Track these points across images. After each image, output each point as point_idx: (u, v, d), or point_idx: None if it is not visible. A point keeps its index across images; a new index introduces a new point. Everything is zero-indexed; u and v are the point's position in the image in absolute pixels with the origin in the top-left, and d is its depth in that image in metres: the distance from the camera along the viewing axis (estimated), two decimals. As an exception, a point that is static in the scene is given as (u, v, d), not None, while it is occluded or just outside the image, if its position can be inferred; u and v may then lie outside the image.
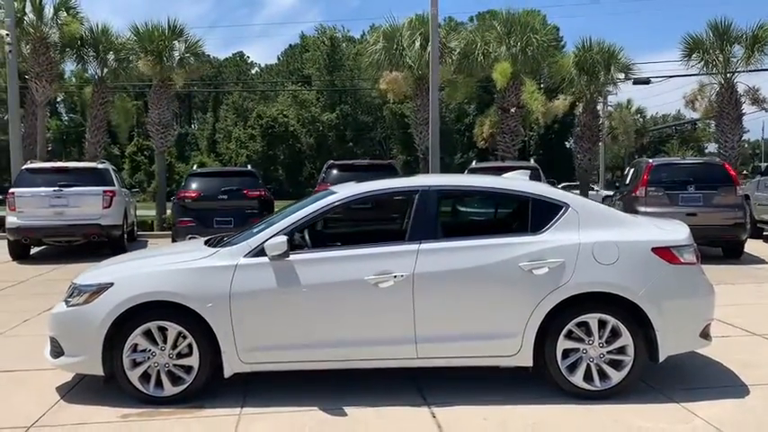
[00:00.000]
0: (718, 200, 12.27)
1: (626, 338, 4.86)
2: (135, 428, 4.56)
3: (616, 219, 5.28)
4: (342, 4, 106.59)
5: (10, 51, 18.62)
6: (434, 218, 5.12)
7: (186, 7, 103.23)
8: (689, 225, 5.51)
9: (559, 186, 12.44)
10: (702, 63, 20.73)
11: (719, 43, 20.15)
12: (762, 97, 20.92)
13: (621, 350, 4.89)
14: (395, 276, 4.80)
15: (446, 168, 38.94)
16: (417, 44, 21.13)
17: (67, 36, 20.91)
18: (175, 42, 21.59)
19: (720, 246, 12.72)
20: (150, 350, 4.87)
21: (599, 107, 23.96)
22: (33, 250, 14.25)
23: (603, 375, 4.90)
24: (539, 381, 5.05)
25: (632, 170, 14.39)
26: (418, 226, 5.05)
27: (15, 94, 19.28)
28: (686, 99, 22.35)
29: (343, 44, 65.93)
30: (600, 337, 4.88)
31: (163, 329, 4.88)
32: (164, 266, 5.11)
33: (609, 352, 4.89)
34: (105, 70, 22.00)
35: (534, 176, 10.65)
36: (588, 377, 4.89)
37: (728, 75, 20.42)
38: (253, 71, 78.41)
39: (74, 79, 40.51)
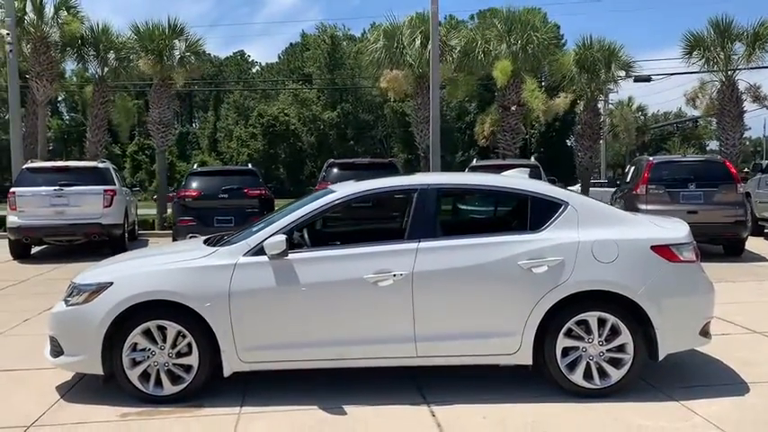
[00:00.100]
0: (719, 197, 12.25)
1: (625, 336, 4.86)
2: (134, 427, 4.56)
3: (615, 217, 5.27)
4: (342, 2, 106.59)
5: (11, 51, 18.62)
6: (434, 216, 5.11)
7: (187, 6, 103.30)
8: (690, 223, 5.50)
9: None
10: (703, 60, 20.69)
11: (720, 41, 20.11)
12: (763, 95, 20.90)
13: (621, 348, 4.88)
14: (394, 275, 4.80)
15: (447, 167, 38.93)
16: (418, 42, 21.12)
17: (68, 35, 20.91)
18: (176, 41, 21.57)
19: (721, 243, 12.71)
20: (150, 349, 4.88)
21: (600, 105, 23.93)
22: (34, 249, 14.26)
23: (603, 373, 4.90)
24: (538, 379, 5.05)
25: (633, 168, 14.37)
26: (417, 224, 5.04)
27: (16, 93, 19.29)
28: (687, 97, 22.32)
29: (344, 42, 65.86)
30: (599, 336, 4.88)
31: (162, 329, 4.88)
32: (163, 266, 5.11)
33: (608, 350, 4.89)
34: (106, 69, 21.99)
35: (535, 174, 10.70)
36: (588, 375, 4.89)
37: (729, 72, 20.39)
38: (253, 70, 78.36)
39: (74, 78, 40.56)
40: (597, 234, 4.96)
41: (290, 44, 74.49)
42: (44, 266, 12.41)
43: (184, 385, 4.89)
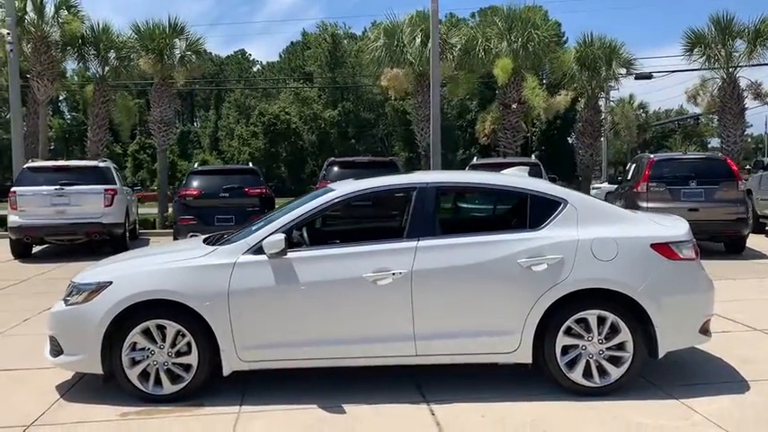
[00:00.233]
0: (720, 195, 12.23)
1: (625, 335, 4.85)
2: (134, 427, 4.56)
3: (615, 215, 5.27)
4: (343, 0, 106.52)
5: (11, 50, 18.64)
6: (433, 215, 5.11)
7: (187, 5, 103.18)
8: (691, 220, 5.50)
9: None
10: (704, 58, 20.65)
11: (721, 38, 20.07)
12: (764, 92, 20.86)
13: (621, 346, 4.88)
14: (393, 274, 4.79)
15: (448, 165, 38.94)
16: (418, 40, 21.10)
17: (68, 35, 20.92)
18: (176, 40, 21.58)
19: (722, 241, 12.70)
20: (149, 348, 4.88)
21: (601, 103, 23.86)
22: (35, 249, 14.27)
23: (603, 372, 4.89)
24: (538, 378, 5.04)
25: (634, 166, 14.36)
26: (416, 223, 5.04)
27: (17, 92, 19.31)
28: (688, 94, 22.30)
29: (345, 41, 65.86)
30: (599, 334, 4.87)
31: (162, 328, 4.88)
32: (162, 265, 5.11)
33: (608, 348, 4.88)
34: (106, 69, 22.00)
35: (535, 172, 10.71)
36: (587, 373, 4.88)
37: (730, 69, 20.35)
38: (254, 69, 78.37)
39: (75, 78, 40.54)
40: (597, 232, 4.95)
41: (291, 43, 74.59)
42: (45, 266, 12.42)
43: (184, 384, 4.89)
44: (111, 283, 4.92)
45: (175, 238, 12.74)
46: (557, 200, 5.11)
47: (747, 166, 22.40)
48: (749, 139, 54.39)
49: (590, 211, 5.10)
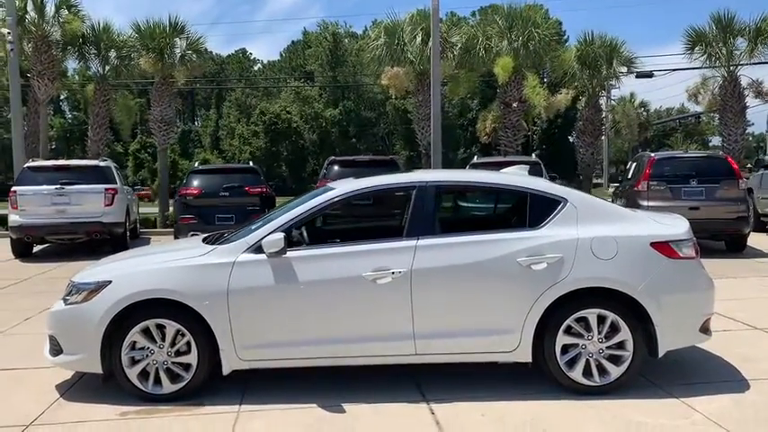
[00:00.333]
0: (721, 193, 12.21)
1: (625, 333, 4.85)
2: (134, 426, 4.56)
3: (615, 213, 5.26)
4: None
5: (12, 49, 18.64)
6: (432, 214, 5.10)
7: (188, 5, 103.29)
8: (691, 219, 5.48)
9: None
10: (705, 56, 20.63)
11: (722, 36, 20.05)
12: (765, 90, 20.82)
13: (620, 345, 4.87)
14: (392, 273, 4.79)
15: (449, 164, 38.94)
16: (419, 39, 21.09)
17: (69, 34, 20.93)
18: (177, 40, 21.58)
19: (723, 239, 12.70)
20: (149, 348, 4.88)
21: (601, 101, 23.86)
22: (36, 248, 14.27)
23: (603, 370, 4.88)
24: (537, 376, 5.04)
25: (634, 164, 14.35)
26: (416, 222, 5.03)
27: (17, 92, 19.32)
28: (689, 92, 22.27)
29: (346, 40, 65.86)
30: (599, 333, 4.86)
31: (161, 327, 4.87)
32: (161, 264, 5.10)
33: (608, 347, 4.87)
34: (107, 68, 22.03)
35: (536, 171, 10.68)
36: (587, 372, 4.87)
37: (732, 68, 20.32)
38: (255, 68, 78.38)
39: (76, 77, 40.56)
40: (596, 231, 4.94)
41: (292, 42, 74.63)
42: (45, 265, 12.42)
43: (183, 384, 4.89)
44: (110, 282, 4.92)
45: (176, 237, 12.75)
46: (556, 198, 5.10)
47: (748, 165, 22.36)
48: (750, 138, 54.31)
49: (590, 210, 5.10)
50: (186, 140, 65.05)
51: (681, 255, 4.96)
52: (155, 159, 37.60)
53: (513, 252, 4.85)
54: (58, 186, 13.16)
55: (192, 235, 10.05)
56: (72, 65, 26.75)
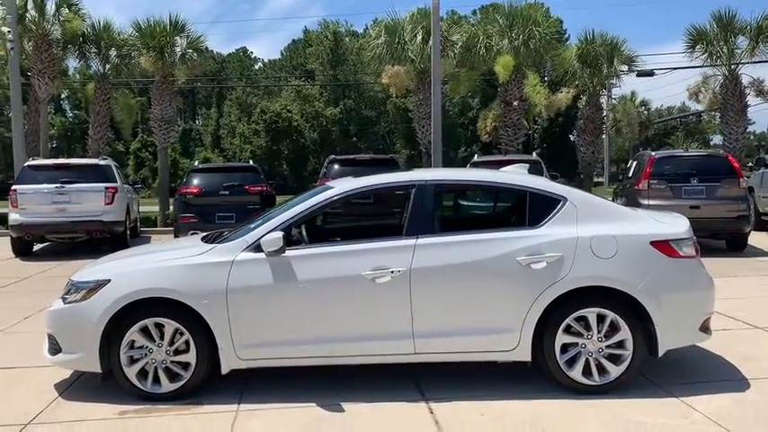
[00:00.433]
0: (722, 192, 12.19)
1: (625, 333, 4.84)
2: (132, 425, 4.56)
3: (615, 212, 5.25)
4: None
5: (12, 48, 18.65)
6: (431, 212, 5.08)
7: (188, 3, 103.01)
8: (692, 218, 5.47)
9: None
10: (706, 55, 20.61)
11: (724, 34, 20.02)
12: (766, 89, 20.80)
13: (620, 344, 4.86)
14: (392, 272, 4.78)
15: (450, 162, 38.90)
16: (419, 38, 21.06)
17: (69, 33, 20.93)
18: (177, 38, 21.54)
19: (724, 238, 12.67)
20: (147, 347, 4.87)
21: (602, 100, 23.86)
22: (36, 247, 14.27)
23: (602, 370, 4.87)
24: (537, 376, 5.03)
25: (635, 163, 14.32)
26: (415, 220, 5.02)
27: (18, 90, 19.32)
28: (690, 91, 22.27)
29: (347, 38, 65.77)
30: (599, 332, 4.85)
31: (160, 326, 4.87)
32: (160, 263, 5.09)
33: (608, 346, 4.86)
34: (108, 66, 22.02)
35: (536, 170, 10.65)
36: (587, 372, 4.86)
37: (733, 66, 20.29)
38: (256, 66, 78.31)
39: (77, 76, 40.57)
40: (596, 229, 4.93)
41: (293, 40, 74.44)
42: (46, 264, 12.42)
43: (182, 383, 4.88)
44: (109, 281, 4.91)
45: (176, 236, 12.75)
46: (556, 197, 5.09)
47: (749, 164, 22.34)
48: (751, 137, 54.32)
49: (589, 209, 5.08)
50: (187, 139, 65.02)
51: (681, 254, 4.95)
52: (156, 158, 37.54)
53: (513, 251, 4.84)
54: (59, 185, 13.16)
55: (192, 233, 10.06)
56: (72, 63, 26.75)
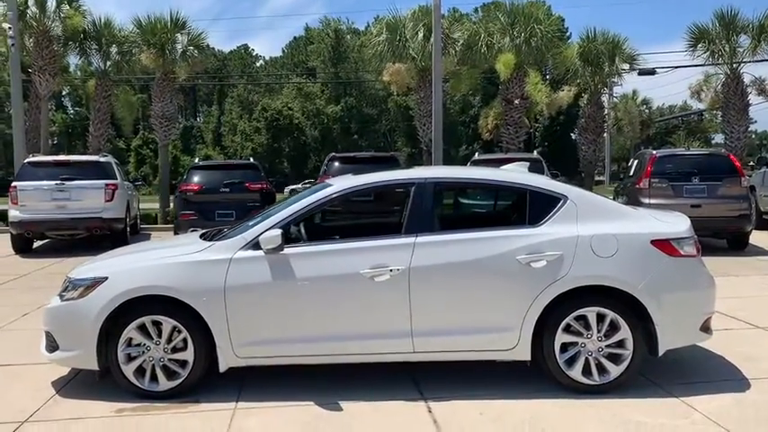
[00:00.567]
0: (723, 191, 12.15)
1: (625, 332, 4.80)
2: (130, 423, 4.53)
3: (615, 211, 5.21)
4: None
5: (13, 45, 18.64)
6: (431, 210, 5.05)
7: (190, 0, 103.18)
8: (693, 217, 5.44)
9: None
10: (708, 53, 20.60)
11: (725, 33, 20.00)
12: (768, 88, 20.78)
13: (620, 344, 4.83)
14: (391, 270, 4.75)
15: (451, 161, 38.89)
16: (420, 35, 21.05)
17: (70, 29, 20.95)
18: (178, 35, 21.57)
19: (725, 237, 12.64)
20: (145, 344, 4.84)
21: (604, 98, 23.83)
22: (36, 244, 14.26)
23: (602, 369, 4.84)
24: (536, 375, 5.00)
25: (636, 162, 14.29)
26: (414, 219, 4.99)
27: (19, 87, 19.31)
28: (692, 90, 22.26)
29: (348, 36, 65.76)
30: (598, 331, 4.82)
31: (157, 324, 4.84)
32: (158, 260, 5.07)
33: (608, 346, 4.83)
34: (108, 63, 22.02)
35: (537, 168, 10.65)
36: (587, 371, 4.83)
37: (734, 65, 20.27)
38: (257, 64, 78.37)
39: (78, 73, 40.54)
40: (596, 228, 4.90)
41: (294, 38, 74.47)
42: (45, 261, 12.41)
43: (180, 381, 4.85)
44: (106, 278, 4.89)
45: (176, 233, 12.74)
46: (556, 196, 5.05)
47: (751, 163, 22.32)
48: (753, 136, 54.27)
49: (590, 208, 5.05)
50: (188, 136, 65.07)
51: (682, 253, 4.92)
52: (156, 155, 37.55)
53: (513, 250, 4.81)
54: (59, 182, 13.15)
55: (192, 231, 10.04)
56: (73, 60, 26.82)
